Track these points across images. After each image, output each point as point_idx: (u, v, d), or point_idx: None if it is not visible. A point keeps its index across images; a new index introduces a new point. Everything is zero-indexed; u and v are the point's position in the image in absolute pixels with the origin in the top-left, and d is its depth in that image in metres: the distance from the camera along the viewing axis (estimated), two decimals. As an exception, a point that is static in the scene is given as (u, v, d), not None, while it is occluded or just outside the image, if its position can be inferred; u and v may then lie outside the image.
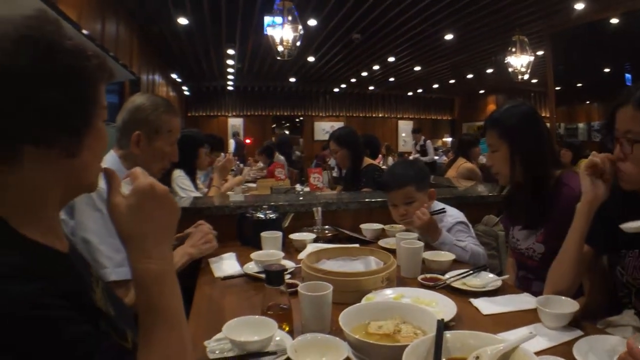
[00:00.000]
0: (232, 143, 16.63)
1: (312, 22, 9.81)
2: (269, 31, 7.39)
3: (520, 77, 9.39)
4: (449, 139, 21.85)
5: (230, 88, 20.14)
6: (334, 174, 8.66)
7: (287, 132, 22.59)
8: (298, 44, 7.23)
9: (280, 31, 7.18)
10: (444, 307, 1.70)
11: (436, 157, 13.97)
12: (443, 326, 1.27)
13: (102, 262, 1.94)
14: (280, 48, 7.21)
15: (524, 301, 1.84)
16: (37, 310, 0.82)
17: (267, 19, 9.01)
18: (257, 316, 1.49)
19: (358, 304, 1.58)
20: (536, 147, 2.26)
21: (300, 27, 7.09)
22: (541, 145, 2.28)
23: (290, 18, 7.21)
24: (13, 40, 0.93)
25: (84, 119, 1.03)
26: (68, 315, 0.86)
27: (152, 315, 1.01)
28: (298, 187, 6.03)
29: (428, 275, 2.10)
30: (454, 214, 2.79)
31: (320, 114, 21.41)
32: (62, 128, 0.98)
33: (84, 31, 5.96)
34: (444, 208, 2.76)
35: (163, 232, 1.06)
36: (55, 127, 0.97)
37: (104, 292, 1.15)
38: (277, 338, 1.43)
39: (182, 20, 10.04)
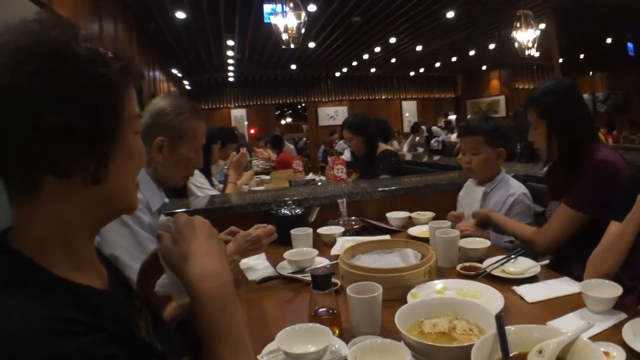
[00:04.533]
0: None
1: (311, 8, 9.70)
2: (272, 19, 7.29)
3: (527, 52, 9.29)
4: (453, 117, 21.87)
5: (231, 79, 20.09)
6: (343, 158, 8.61)
7: (290, 119, 22.63)
8: (303, 31, 7.14)
9: (284, 19, 7.08)
10: (491, 298, 1.67)
11: (444, 137, 14.09)
12: (503, 322, 1.24)
13: (134, 278, 1.88)
14: (284, 36, 7.12)
15: (565, 286, 1.82)
16: None
17: (267, 7, 8.94)
18: (309, 324, 1.44)
19: (410, 303, 1.54)
20: (573, 124, 2.32)
21: (304, 14, 7.00)
22: (578, 122, 2.32)
23: (292, 5, 7.11)
24: (11, 54, 0.81)
25: (106, 136, 0.89)
26: None
27: (216, 337, 0.99)
28: (315, 177, 5.99)
29: (467, 264, 2.07)
30: (514, 188, 2.80)
31: (324, 100, 21.33)
32: (79, 152, 0.85)
33: (82, 32, 5.92)
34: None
35: (212, 251, 1.06)
36: (71, 152, 0.84)
37: (146, 321, 1.08)
38: (336, 346, 1.39)
39: (180, 14, 9.99)
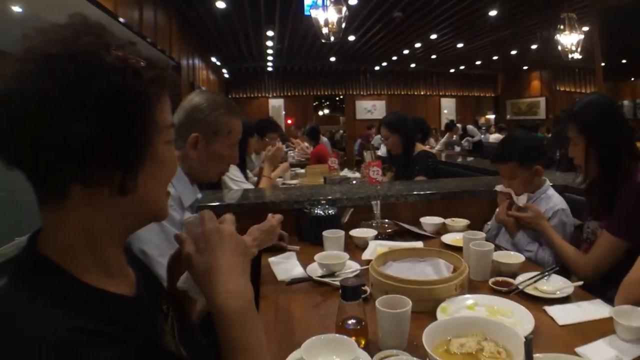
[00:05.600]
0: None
1: (352, 1, 9.64)
2: (313, 13, 7.24)
3: (570, 56, 9.12)
4: (492, 116, 21.57)
5: (270, 69, 20.10)
6: (379, 153, 8.59)
7: (327, 111, 22.61)
8: (343, 25, 7.08)
9: (324, 13, 7.03)
10: (521, 318, 1.64)
11: (482, 136, 13.95)
12: (531, 348, 1.21)
13: (163, 274, 1.88)
14: (325, 30, 7.08)
15: (597, 309, 1.77)
16: None
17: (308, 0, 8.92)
18: (335, 335, 1.44)
19: (439, 321, 1.52)
20: (613, 141, 2.27)
21: (344, 8, 6.94)
22: (618, 139, 2.27)
23: (333, -1, 7.07)
24: (39, 60, 0.79)
25: (136, 148, 0.87)
26: None
27: (235, 351, 0.99)
28: (349, 173, 5.97)
29: (499, 279, 2.03)
30: (553, 202, 2.73)
31: (362, 93, 21.18)
32: (107, 164, 0.84)
33: (121, 19, 5.97)
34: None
35: (236, 267, 1.04)
36: (99, 164, 0.83)
37: (172, 326, 1.09)
38: (360, 359, 1.38)
39: (220, 4, 10.01)
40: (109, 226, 0.91)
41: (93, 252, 0.90)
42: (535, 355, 1.19)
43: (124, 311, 0.90)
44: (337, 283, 2.01)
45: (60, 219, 0.87)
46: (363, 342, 1.50)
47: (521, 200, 2.72)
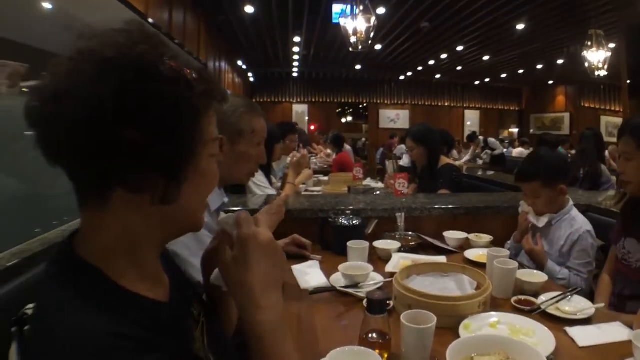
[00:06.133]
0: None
1: (380, 11, 9.66)
2: (342, 22, 7.29)
3: (597, 73, 9.08)
4: (516, 130, 21.41)
5: (295, 74, 20.22)
6: (401, 163, 8.57)
7: (350, 118, 22.62)
8: (372, 34, 7.11)
9: (353, 22, 7.08)
10: (543, 339, 1.64)
11: (504, 150, 13.86)
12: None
13: (194, 275, 1.91)
14: (353, 39, 7.12)
15: (617, 331, 1.77)
16: None
17: (337, 7, 8.96)
18: (360, 347, 1.45)
19: (463, 338, 1.53)
20: None
21: (373, 18, 6.98)
22: None
23: (361, 7, 7.10)
24: (95, 63, 0.80)
25: (182, 158, 0.88)
26: None
27: None
28: (372, 183, 5.97)
29: (522, 298, 2.03)
30: (578, 223, 2.71)
31: (386, 102, 21.22)
32: (152, 172, 0.85)
33: (150, 20, 6.03)
34: None
35: (270, 281, 1.03)
36: (142, 171, 0.84)
37: (202, 332, 1.09)
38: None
39: (249, 9, 10.10)
40: (149, 231, 0.92)
41: (130, 256, 0.91)
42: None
43: (158, 317, 0.91)
44: (361, 294, 2.03)
45: (100, 221, 0.88)
46: (386, 356, 1.51)
47: (541, 221, 2.72)
